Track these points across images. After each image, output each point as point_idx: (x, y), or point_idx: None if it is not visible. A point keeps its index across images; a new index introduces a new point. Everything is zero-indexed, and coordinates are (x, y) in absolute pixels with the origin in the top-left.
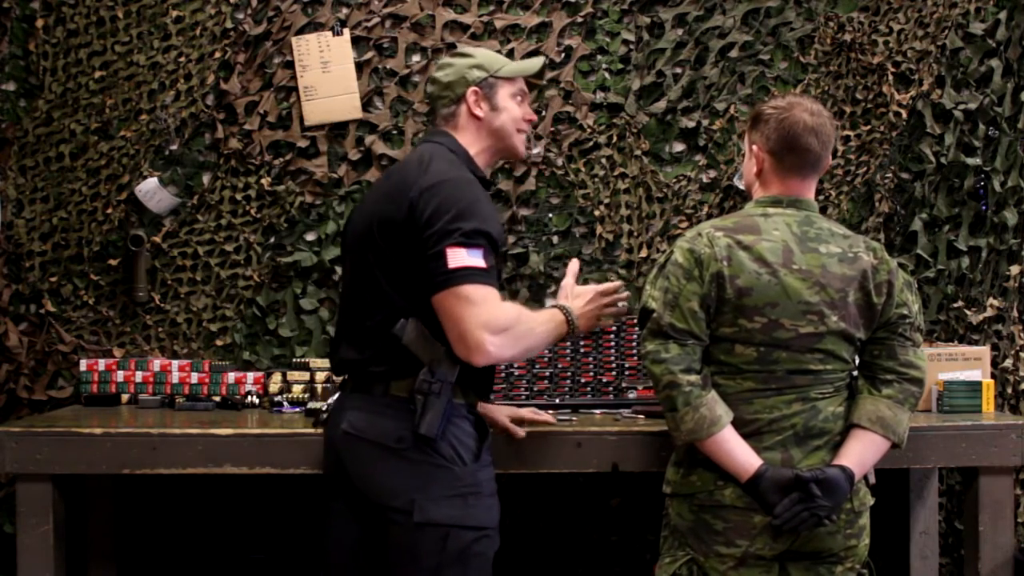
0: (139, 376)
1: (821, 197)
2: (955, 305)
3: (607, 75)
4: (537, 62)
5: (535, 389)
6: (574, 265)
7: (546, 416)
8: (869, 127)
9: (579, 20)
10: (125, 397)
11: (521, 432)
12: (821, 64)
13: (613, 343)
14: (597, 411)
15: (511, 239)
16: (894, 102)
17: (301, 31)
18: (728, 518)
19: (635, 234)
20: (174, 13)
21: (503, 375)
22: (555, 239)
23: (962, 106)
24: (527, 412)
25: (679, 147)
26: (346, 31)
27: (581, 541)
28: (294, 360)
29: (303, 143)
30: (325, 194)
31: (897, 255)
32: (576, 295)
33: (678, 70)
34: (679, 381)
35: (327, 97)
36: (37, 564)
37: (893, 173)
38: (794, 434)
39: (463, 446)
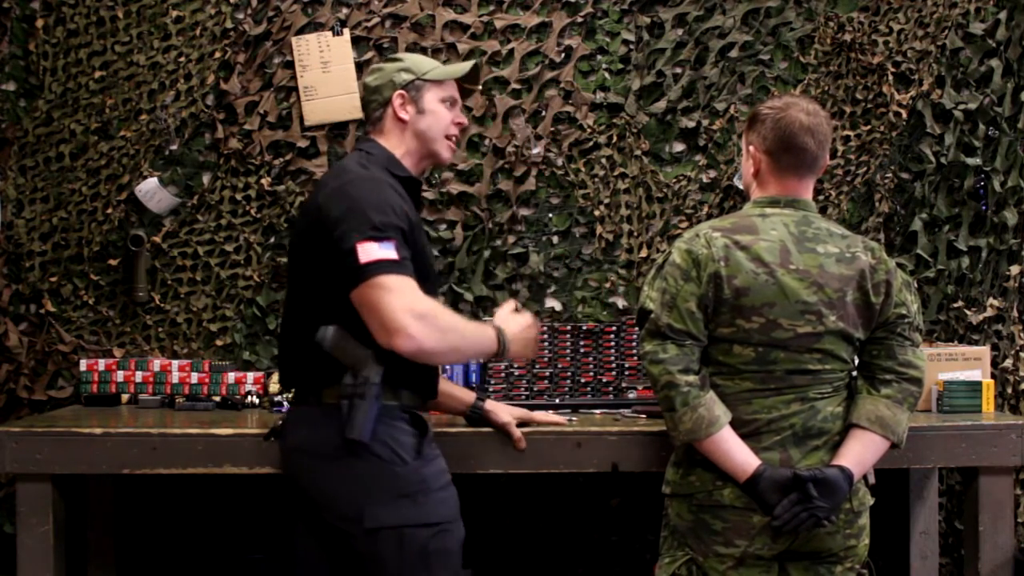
0: (139, 376)
1: (821, 197)
2: (955, 305)
3: (607, 75)
4: (466, 65)
5: (535, 389)
6: (509, 303)
7: (557, 418)
8: (869, 127)
9: (579, 20)
10: (125, 397)
11: (522, 442)
12: (821, 64)
13: (613, 343)
14: (597, 411)
15: (511, 239)
16: (894, 102)
17: (301, 31)
18: (727, 518)
19: (635, 234)
20: (174, 13)
21: (503, 375)
22: (555, 239)
23: (962, 106)
24: (538, 415)
25: (679, 147)
26: (346, 31)
27: (581, 541)
28: None
29: (303, 143)
30: None
31: (897, 255)
32: (507, 319)
33: (678, 70)
34: (677, 381)
35: (327, 97)
36: (37, 564)
37: (893, 173)
38: (793, 434)
39: (401, 445)
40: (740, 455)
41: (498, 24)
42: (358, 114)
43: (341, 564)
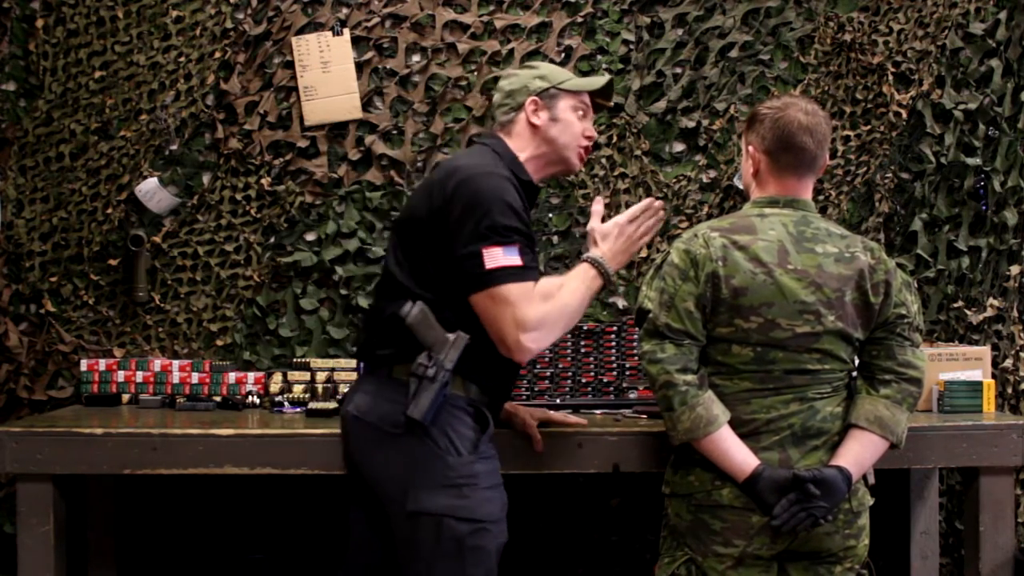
0: (139, 376)
1: (821, 197)
2: (955, 305)
3: (607, 75)
4: (601, 79)
5: (536, 389)
6: (597, 206)
7: (576, 419)
8: (869, 127)
9: (579, 20)
10: (126, 397)
11: (540, 445)
12: (821, 64)
13: (614, 343)
14: (598, 411)
15: None
16: (894, 102)
17: (301, 31)
18: (726, 518)
19: None
20: (174, 13)
21: None
22: (555, 239)
23: (962, 106)
24: (558, 415)
25: (679, 147)
26: (346, 31)
27: (581, 541)
28: (294, 360)
29: (303, 143)
30: (325, 194)
31: (897, 255)
32: (603, 236)
33: (678, 70)
34: (675, 381)
35: (327, 97)
36: (37, 564)
37: (893, 173)
38: (792, 434)
39: (460, 436)
40: (739, 455)
41: (498, 24)
42: (358, 114)
43: (386, 537)
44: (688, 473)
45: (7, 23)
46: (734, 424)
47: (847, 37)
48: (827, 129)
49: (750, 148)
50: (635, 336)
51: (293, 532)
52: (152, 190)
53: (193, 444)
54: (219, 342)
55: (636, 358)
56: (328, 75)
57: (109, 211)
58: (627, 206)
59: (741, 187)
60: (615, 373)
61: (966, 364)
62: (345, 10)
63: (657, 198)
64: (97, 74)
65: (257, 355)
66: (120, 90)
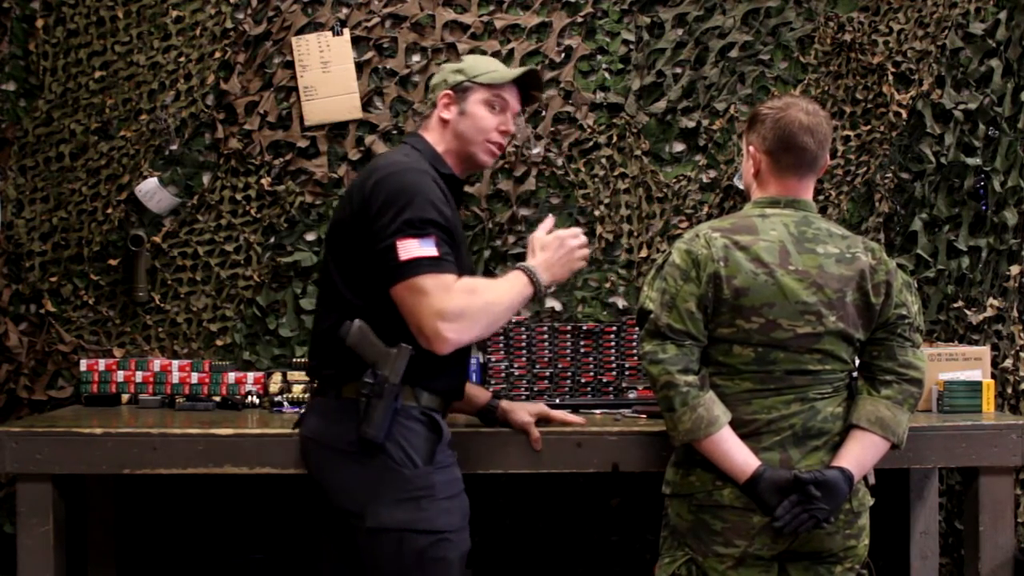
0: (139, 376)
1: (821, 197)
2: (955, 305)
3: (607, 75)
4: (514, 71)
5: (535, 389)
6: (548, 222)
7: (575, 418)
8: (869, 127)
9: (579, 20)
10: (125, 397)
11: (539, 443)
12: (821, 64)
13: (613, 343)
14: (597, 411)
15: (511, 239)
16: (894, 102)
17: (301, 31)
18: (727, 518)
19: (635, 234)
20: (174, 13)
21: (503, 375)
22: None
23: (962, 106)
24: (556, 414)
25: (679, 147)
26: (346, 31)
27: (581, 541)
28: (294, 360)
29: (303, 143)
30: (325, 194)
31: (897, 255)
32: (542, 247)
33: (678, 70)
34: (676, 381)
35: (327, 97)
36: (37, 564)
37: (893, 173)
38: (792, 435)
39: (415, 448)
40: (740, 455)
41: (498, 24)
42: (358, 114)
43: (351, 554)
44: (689, 473)
45: (7, 23)
46: (735, 424)
47: (847, 37)
48: (828, 129)
49: (751, 148)
50: (635, 336)
51: (293, 532)
52: (152, 190)
53: (193, 444)
54: (219, 342)
55: (636, 358)
56: (328, 75)
57: (109, 211)
58: (627, 206)
59: (741, 187)
60: (614, 373)
61: (966, 364)
62: (345, 10)
63: (657, 198)
64: (97, 74)
65: (257, 355)
66: (120, 90)
